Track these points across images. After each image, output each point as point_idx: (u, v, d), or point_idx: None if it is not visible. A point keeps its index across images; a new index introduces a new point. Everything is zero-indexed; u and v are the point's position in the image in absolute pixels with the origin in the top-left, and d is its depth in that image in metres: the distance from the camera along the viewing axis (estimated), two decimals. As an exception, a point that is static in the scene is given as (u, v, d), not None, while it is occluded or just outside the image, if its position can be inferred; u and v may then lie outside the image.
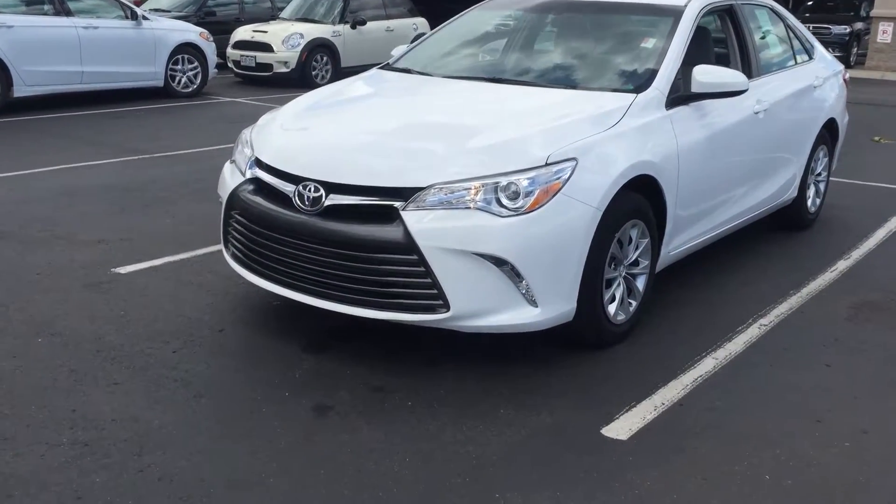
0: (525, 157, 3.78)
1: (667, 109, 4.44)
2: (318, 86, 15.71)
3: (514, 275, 3.67)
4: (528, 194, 3.67)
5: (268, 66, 14.51)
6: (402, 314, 3.75)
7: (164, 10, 15.68)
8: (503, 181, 3.69)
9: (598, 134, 4.01)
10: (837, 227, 6.63)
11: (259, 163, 4.23)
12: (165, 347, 4.08)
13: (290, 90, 14.09)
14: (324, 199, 3.84)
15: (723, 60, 5.28)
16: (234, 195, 4.21)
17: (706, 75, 4.50)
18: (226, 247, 4.40)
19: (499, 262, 3.64)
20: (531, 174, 3.71)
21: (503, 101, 4.44)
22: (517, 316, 3.73)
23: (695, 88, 4.52)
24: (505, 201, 3.67)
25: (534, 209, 3.66)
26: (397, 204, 3.72)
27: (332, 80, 14.91)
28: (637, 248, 4.26)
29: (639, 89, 4.43)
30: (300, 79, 14.50)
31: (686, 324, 4.55)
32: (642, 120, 4.26)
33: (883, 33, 20.68)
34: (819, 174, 6.51)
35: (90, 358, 3.96)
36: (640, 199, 4.16)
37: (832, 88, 6.46)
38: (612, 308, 4.12)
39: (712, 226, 5.03)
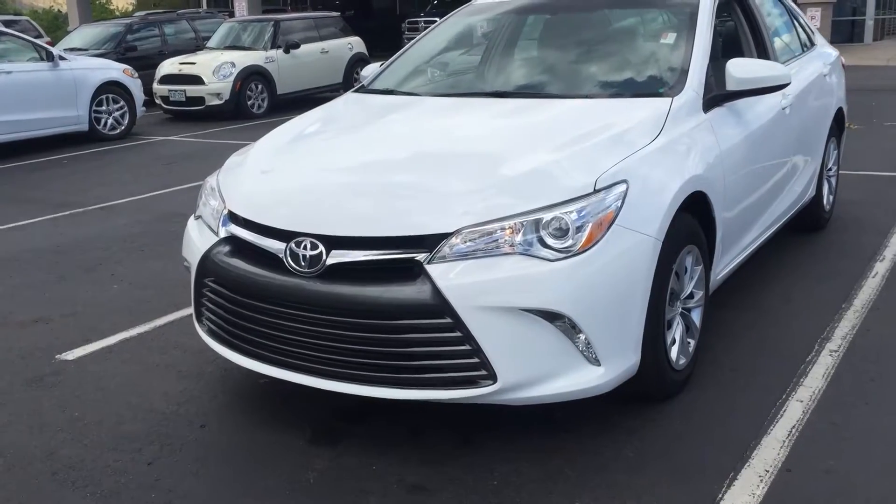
0: (568, 185, 3.09)
1: (704, 112, 3.81)
2: (255, 117, 14.96)
3: (572, 330, 2.98)
4: (578, 230, 2.98)
5: (199, 100, 13.61)
6: (436, 391, 3.02)
7: (80, 49, 14.66)
8: (546, 217, 3.00)
9: (643, 149, 3.35)
10: (851, 224, 6.11)
11: (233, 217, 3.46)
12: (138, 458, 3.27)
13: (225, 123, 13.25)
14: (324, 256, 3.10)
15: (737, 51, 4.68)
16: (206, 259, 3.44)
17: (742, 70, 3.89)
18: (199, 321, 3.61)
19: (552, 317, 2.95)
20: (579, 205, 3.02)
21: (518, 118, 3.75)
22: (578, 380, 3.04)
23: (731, 86, 3.90)
24: (550, 241, 2.97)
25: (587, 247, 2.98)
26: (419, 256, 3.00)
27: (269, 110, 14.10)
28: (692, 278, 3.60)
29: (671, 92, 3.79)
30: (235, 110, 13.65)
31: (742, 357, 3.91)
32: (684, 127, 3.62)
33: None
34: (830, 169, 5.98)
35: (43, 484, 3.13)
36: (692, 221, 3.51)
37: (837, 75, 5.95)
38: (673, 352, 3.46)
39: (751, 239, 4.42)
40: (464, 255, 2.97)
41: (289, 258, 3.17)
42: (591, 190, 3.07)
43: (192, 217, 3.82)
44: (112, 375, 4.03)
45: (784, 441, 3.19)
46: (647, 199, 3.19)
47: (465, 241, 2.98)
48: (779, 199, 4.74)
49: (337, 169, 3.44)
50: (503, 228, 2.98)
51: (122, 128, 12.15)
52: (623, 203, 3.09)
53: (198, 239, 3.57)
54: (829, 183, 5.94)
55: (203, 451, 3.31)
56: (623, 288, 3.06)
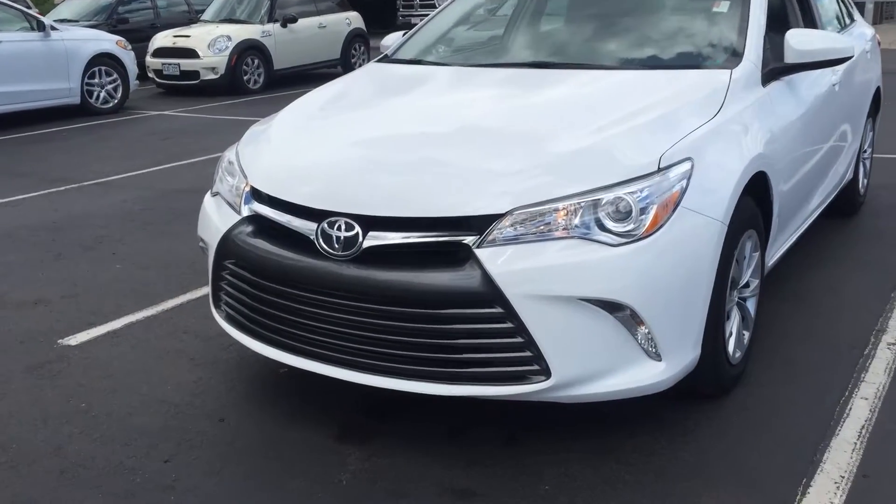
0: (629, 164, 2.82)
1: (762, 86, 3.54)
2: (251, 92, 14.57)
3: (632, 321, 2.72)
4: (642, 212, 2.72)
5: (194, 74, 13.24)
6: (483, 387, 2.76)
7: (70, 21, 14.23)
8: (605, 197, 2.73)
9: (705, 125, 3.08)
10: (884, 209, 5.88)
11: (257, 194, 3.18)
12: (153, 455, 3.01)
13: (220, 98, 12.90)
14: (360, 238, 2.82)
15: (784, 23, 4.40)
16: (226, 240, 3.15)
17: (803, 42, 3.62)
18: (216, 306, 3.34)
19: (612, 307, 2.69)
20: (642, 185, 2.76)
21: (565, 91, 3.46)
22: (637, 376, 2.78)
23: (790, 58, 3.63)
24: (611, 224, 2.71)
25: (652, 231, 2.71)
26: (468, 240, 2.73)
27: (265, 85, 13.75)
28: (750, 266, 3.35)
29: (728, 64, 3.52)
30: (230, 85, 13.29)
31: (794, 350, 3.67)
32: (744, 102, 3.35)
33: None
34: (865, 150, 5.73)
35: (52, 483, 2.86)
36: (751, 203, 3.25)
37: (874, 53, 5.69)
38: (730, 345, 3.21)
39: (799, 223, 4.18)
40: (515, 239, 2.70)
41: (321, 240, 2.89)
42: (655, 168, 2.80)
43: (208, 194, 3.53)
44: (119, 363, 3.75)
45: (855, 444, 2.95)
46: (712, 179, 2.93)
47: (517, 224, 2.71)
48: (825, 181, 4.50)
49: (372, 143, 3.15)
50: (558, 210, 2.72)
51: (115, 101, 11.78)
52: (688, 183, 2.83)
53: (217, 218, 3.28)
54: (864, 165, 5.70)
55: (224, 447, 3.04)
56: (688, 276, 2.80)
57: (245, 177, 3.25)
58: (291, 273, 2.94)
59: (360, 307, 2.82)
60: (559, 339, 2.69)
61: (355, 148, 3.14)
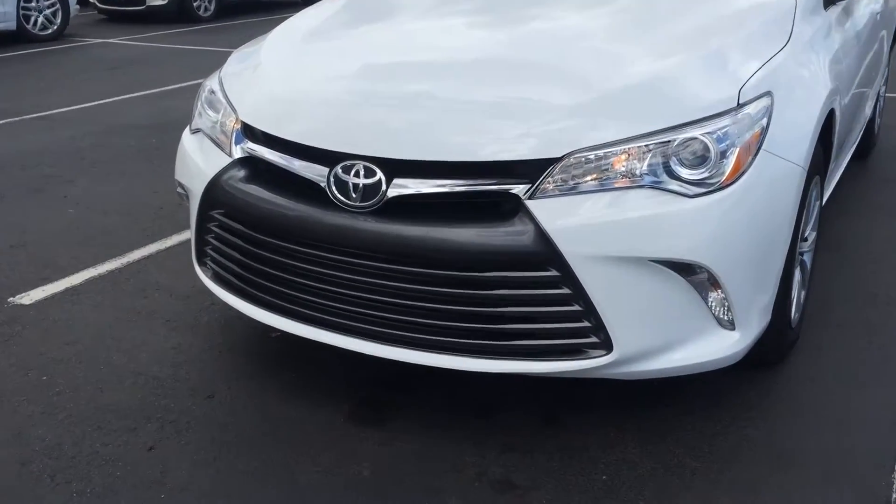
0: (704, 98, 2.38)
1: (825, 10, 3.12)
2: (201, 20, 13.60)
3: (708, 285, 2.32)
4: (722, 156, 2.29)
5: (139, 0, 12.36)
6: (531, 363, 2.34)
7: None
8: (677, 138, 2.29)
9: (778, 53, 2.66)
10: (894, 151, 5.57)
11: (250, 131, 2.67)
12: (133, 441, 2.54)
13: (168, 26, 12.11)
14: (384, 186, 2.36)
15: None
16: (214, 187, 2.66)
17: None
18: (201, 263, 2.85)
19: (687, 270, 2.28)
20: (722, 123, 2.32)
21: (607, 11, 2.97)
22: (708, 348, 2.39)
23: (850, -23, 3.21)
24: (684, 171, 2.28)
25: (734, 179, 2.29)
26: (516, 189, 2.28)
27: (216, 13, 12.94)
28: (811, 217, 2.97)
29: (788, -16, 3.07)
30: (178, 12, 12.49)
31: (843, 309, 3.32)
32: (811, 28, 2.94)
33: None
34: (882, 87, 5.37)
35: (11, 479, 2.39)
36: (818, 146, 2.84)
37: (895, -17, 5.29)
38: (793, 306, 2.83)
39: (840, 167, 3.81)
40: (572, 189, 2.26)
41: (333, 188, 2.42)
42: (735, 104, 2.37)
43: (186, 131, 3.01)
44: (83, 325, 3.25)
45: (942, 421, 2.61)
46: (790, 117, 2.51)
47: (574, 171, 2.26)
48: (861, 121, 4.12)
49: (392, 71, 2.65)
50: (623, 154, 2.28)
51: (55, 28, 10.95)
52: (769, 122, 2.41)
53: (200, 160, 2.77)
54: (878, 103, 5.35)
55: (217, 431, 2.59)
56: (768, 232, 2.40)
57: (234, 111, 2.74)
58: (296, 227, 2.46)
59: (381, 268, 2.36)
60: (623, 307, 2.27)
61: (370, 77, 2.64)
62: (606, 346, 2.30)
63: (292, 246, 2.49)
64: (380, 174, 2.36)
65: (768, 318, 2.53)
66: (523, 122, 2.33)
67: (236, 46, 10.09)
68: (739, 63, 2.52)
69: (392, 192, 2.35)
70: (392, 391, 2.77)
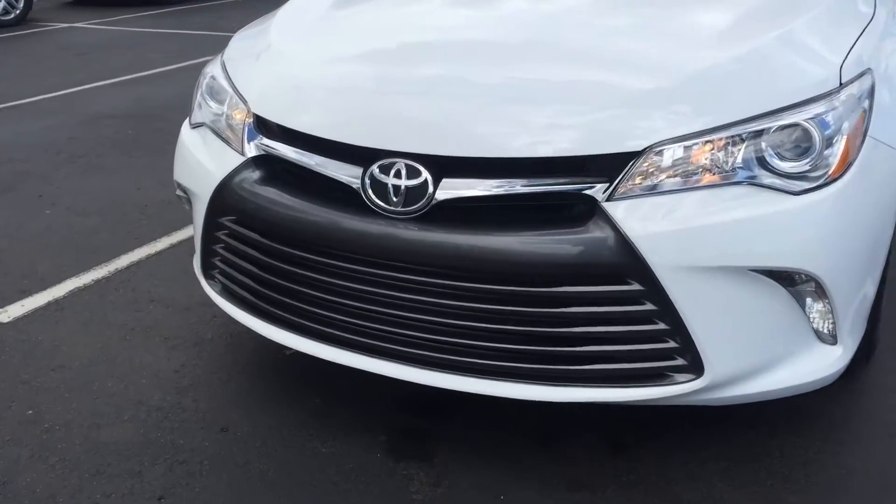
0: (800, 78, 2.05)
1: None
2: (172, 2, 13.04)
3: (813, 296, 2.00)
4: (829, 144, 1.96)
5: (106, -19, 11.83)
6: (608, 390, 2.01)
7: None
8: (773, 126, 1.96)
9: (869, 26, 2.33)
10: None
11: (262, 125, 2.31)
12: (140, 491, 2.19)
13: (136, 9, 11.59)
14: (431, 188, 2.01)
15: None
16: (224, 190, 2.29)
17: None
18: (207, 276, 2.49)
19: (789, 279, 1.96)
20: (823, 107, 1.99)
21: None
22: (809, 366, 2.07)
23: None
24: (783, 164, 1.95)
25: (843, 171, 1.97)
26: (591, 189, 1.94)
27: (188, -7, 12.41)
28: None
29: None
30: (149, -6, 11.94)
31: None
32: (886, 7, 2.60)
33: None
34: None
35: (0, 543, 2.03)
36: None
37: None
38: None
39: None
40: (654, 188, 1.92)
41: (369, 190, 2.06)
42: (837, 84, 2.04)
43: (185, 125, 2.64)
44: (70, 347, 2.87)
45: None
46: (889, 97, 2.19)
47: (657, 167, 1.93)
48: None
49: (433, 52, 2.29)
50: (710, 145, 1.94)
51: (17, 12, 10.40)
52: (871, 104, 2.09)
53: (206, 158, 2.40)
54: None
55: (235, 472, 2.24)
56: (875, 230, 2.08)
57: (243, 101, 2.37)
58: (323, 236, 2.11)
59: (428, 283, 2.02)
60: (716, 324, 1.95)
61: (407, 59, 2.27)
62: (696, 368, 1.97)
63: (318, 258, 2.15)
64: (426, 174, 2.01)
65: (864, 327, 2.22)
66: (596, 110, 1.98)
67: (211, 29, 9.65)
68: (832, 39, 2.20)
69: (441, 195, 2.00)
70: (431, 418, 2.44)
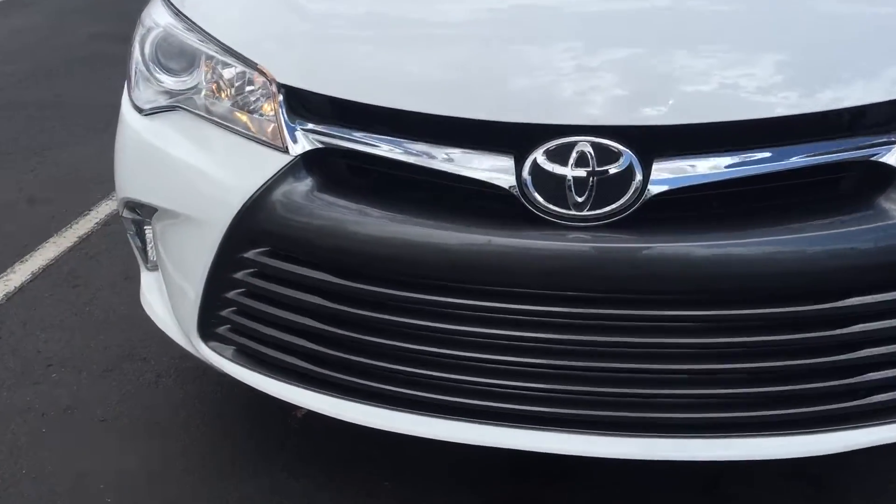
0: None
1: None
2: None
3: None
4: None
5: None
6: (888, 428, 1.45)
7: None
8: None
9: None
10: None
11: (301, 103, 1.47)
12: None
13: None
14: (638, 175, 1.31)
15: None
16: (259, 209, 1.45)
17: None
18: (208, 336, 1.64)
19: None
20: None
21: None
22: None
23: None
24: None
25: None
26: (885, 155, 1.34)
27: None
28: None
29: None
30: None
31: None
32: None
33: None
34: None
35: None
36: None
37: None
38: None
39: None
40: None
41: (531, 189, 1.33)
42: None
43: (128, 107, 1.71)
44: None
45: None
46: None
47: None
48: None
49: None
50: None
51: None
52: None
53: (207, 162, 1.53)
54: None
55: None
56: None
57: (262, 71, 1.50)
58: (456, 266, 1.38)
59: (642, 317, 1.36)
60: None
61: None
62: None
63: (443, 298, 1.40)
64: (628, 156, 1.31)
65: None
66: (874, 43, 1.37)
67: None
68: None
69: (654, 185, 1.32)
70: (534, 486, 1.77)
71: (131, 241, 1.83)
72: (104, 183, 3.14)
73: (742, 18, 1.42)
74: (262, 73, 1.50)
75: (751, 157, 1.32)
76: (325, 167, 1.45)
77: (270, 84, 1.48)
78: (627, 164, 1.31)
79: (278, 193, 1.44)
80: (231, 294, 1.56)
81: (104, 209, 3.02)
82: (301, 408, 1.76)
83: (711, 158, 1.32)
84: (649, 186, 1.32)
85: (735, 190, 1.34)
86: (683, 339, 1.37)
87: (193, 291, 1.59)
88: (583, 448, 1.44)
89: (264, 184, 1.44)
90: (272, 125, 1.48)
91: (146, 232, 1.78)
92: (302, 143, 1.44)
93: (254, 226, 1.46)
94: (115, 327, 2.33)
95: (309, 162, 1.45)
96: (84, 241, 2.82)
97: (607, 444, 1.44)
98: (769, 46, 1.37)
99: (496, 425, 1.46)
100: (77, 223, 2.92)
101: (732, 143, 1.32)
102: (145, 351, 2.22)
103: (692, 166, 1.32)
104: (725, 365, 1.37)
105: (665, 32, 1.39)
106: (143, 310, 1.86)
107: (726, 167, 1.32)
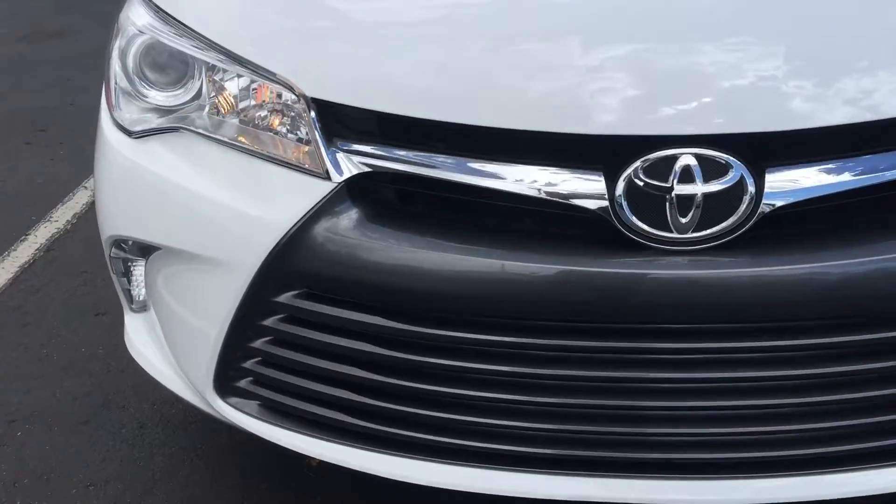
0: None
1: None
2: None
3: None
4: None
5: None
6: None
7: None
8: None
9: None
10: None
11: (337, 119, 1.25)
12: None
13: None
14: (750, 188, 1.14)
15: None
16: (296, 247, 1.23)
17: None
18: (226, 391, 1.41)
19: None
20: None
21: None
22: None
23: None
24: None
25: None
26: None
27: None
28: None
29: None
30: None
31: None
32: None
33: None
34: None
35: None
36: None
37: None
38: None
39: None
40: None
41: (626, 210, 1.15)
42: None
43: (108, 126, 1.45)
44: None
45: None
46: None
47: None
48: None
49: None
50: None
51: None
52: None
53: (226, 194, 1.29)
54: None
55: None
56: None
57: (276, 80, 1.27)
58: (538, 301, 1.19)
59: (756, 348, 1.20)
60: None
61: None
62: None
63: (522, 339, 1.22)
64: (739, 167, 1.14)
65: None
66: None
67: None
68: None
69: (771, 197, 1.15)
70: None
71: (116, 282, 1.57)
72: (34, 203, 2.84)
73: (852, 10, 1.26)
74: (286, 85, 1.26)
75: (877, 163, 1.17)
76: (372, 194, 1.24)
77: (299, 100, 1.26)
78: (738, 177, 1.14)
79: (320, 228, 1.22)
80: (257, 343, 1.34)
81: (42, 233, 2.71)
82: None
83: (831, 165, 1.16)
84: (764, 201, 1.15)
85: (855, 200, 1.19)
86: (810, 371, 1.21)
87: (210, 343, 1.35)
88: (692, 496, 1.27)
89: (302, 217, 1.22)
90: (305, 147, 1.25)
91: (132, 269, 1.54)
92: (346, 167, 1.22)
93: (291, 267, 1.24)
94: (81, 372, 2.05)
95: (353, 189, 1.23)
96: (26, 270, 2.51)
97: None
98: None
99: (604, 477, 1.28)
100: (15, 250, 2.61)
101: (853, 148, 1.17)
102: (121, 398, 1.96)
103: (809, 176, 1.16)
104: (853, 395, 1.23)
105: (766, 27, 1.22)
106: (113, 351, 1.61)
107: (853, 175, 1.16)
